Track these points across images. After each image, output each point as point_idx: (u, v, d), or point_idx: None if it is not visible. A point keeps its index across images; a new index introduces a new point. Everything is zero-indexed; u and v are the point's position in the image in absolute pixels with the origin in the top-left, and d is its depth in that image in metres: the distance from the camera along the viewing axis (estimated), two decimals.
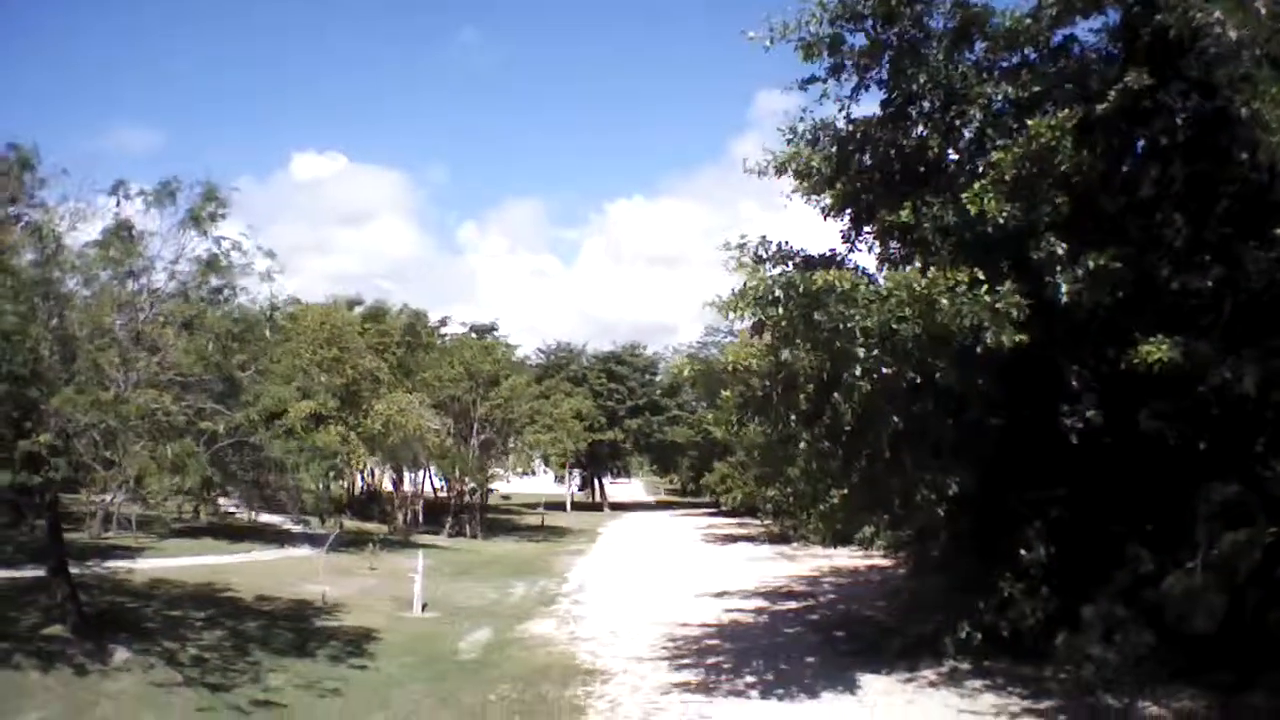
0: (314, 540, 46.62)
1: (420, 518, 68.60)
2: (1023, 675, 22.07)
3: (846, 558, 50.99)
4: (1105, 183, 20.93)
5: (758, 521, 70.39)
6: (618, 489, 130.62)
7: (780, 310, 19.64)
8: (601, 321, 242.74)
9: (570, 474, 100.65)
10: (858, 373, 19.53)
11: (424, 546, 49.39)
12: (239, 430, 22.56)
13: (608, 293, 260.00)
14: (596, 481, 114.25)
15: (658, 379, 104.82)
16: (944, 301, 18.62)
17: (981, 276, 18.97)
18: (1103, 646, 20.16)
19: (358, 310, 66.47)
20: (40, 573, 26.01)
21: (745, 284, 20.20)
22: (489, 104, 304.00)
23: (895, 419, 20.92)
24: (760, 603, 35.89)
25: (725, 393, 23.72)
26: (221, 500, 45.38)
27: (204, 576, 34.10)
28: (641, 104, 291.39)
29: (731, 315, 20.62)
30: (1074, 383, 21.10)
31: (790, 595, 37.92)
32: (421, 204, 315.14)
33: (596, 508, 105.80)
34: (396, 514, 66.39)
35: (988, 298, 18.72)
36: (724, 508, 79.75)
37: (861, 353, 19.29)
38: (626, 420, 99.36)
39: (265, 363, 24.97)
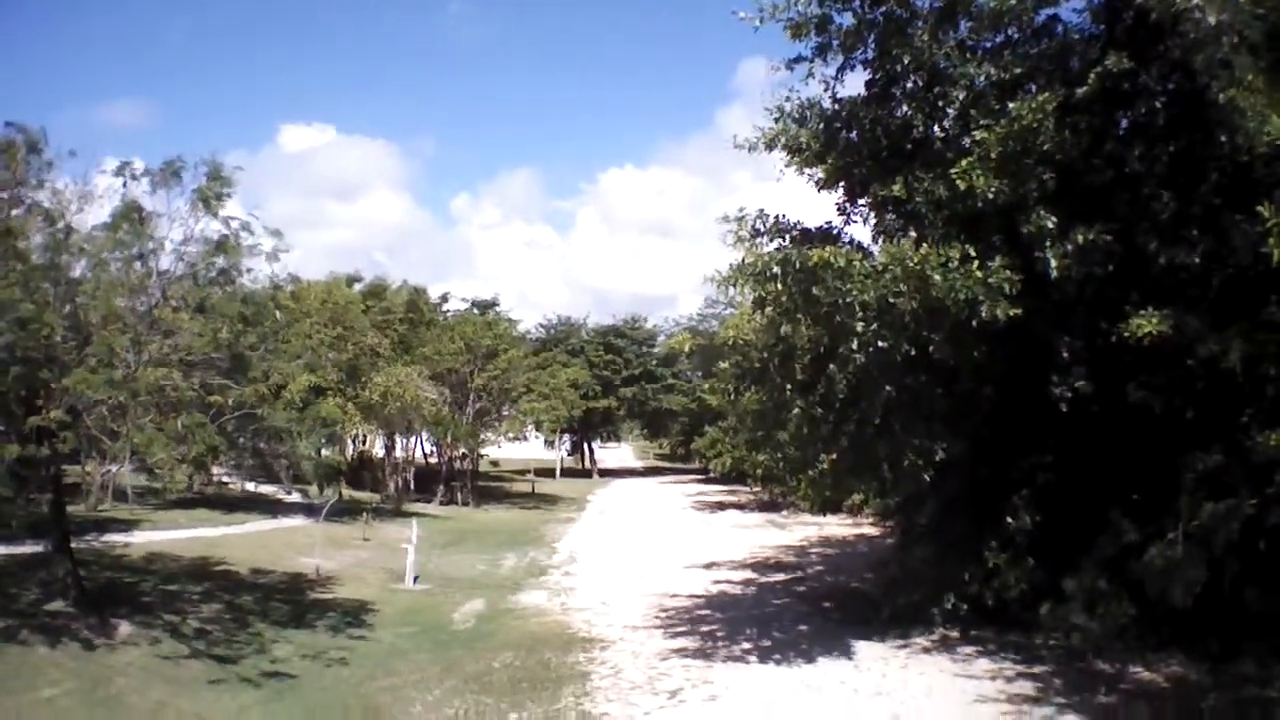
0: (308, 510, 46.98)
1: (411, 485, 68.76)
2: (1013, 642, 22.70)
3: (836, 526, 51.60)
4: (1089, 159, 21.26)
5: (747, 488, 70.99)
6: (607, 453, 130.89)
7: (779, 285, 20.07)
8: (597, 291, 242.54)
9: (561, 439, 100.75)
10: (854, 345, 20.03)
11: (416, 515, 49.75)
12: (247, 403, 22.94)
13: (603, 262, 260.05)
14: (586, 446, 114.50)
15: (655, 350, 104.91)
16: (937, 277, 19.02)
17: (973, 252, 19.46)
18: (1085, 617, 20.72)
19: (358, 287, 66.65)
20: (39, 548, 26.32)
21: (744, 260, 20.66)
22: (478, 75, 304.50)
23: (889, 389, 21.41)
24: (748, 574, 36.39)
25: (723, 364, 24.16)
26: (215, 470, 45.77)
27: (200, 549, 34.49)
28: (628, 73, 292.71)
29: (731, 290, 21.01)
30: (1064, 354, 21.52)
31: (778, 566, 38.43)
32: (414, 175, 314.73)
33: (586, 474, 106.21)
34: (388, 482, 66.58)
35: (979, 273, 19.18)
36: (713, 474, 79.94)
37: (860, 326, 19.77)
38: (621, 389, 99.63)
39: (274, 343, 25.25)
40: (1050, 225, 20.08)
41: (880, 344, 20.01)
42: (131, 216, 22.67)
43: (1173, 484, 19.74)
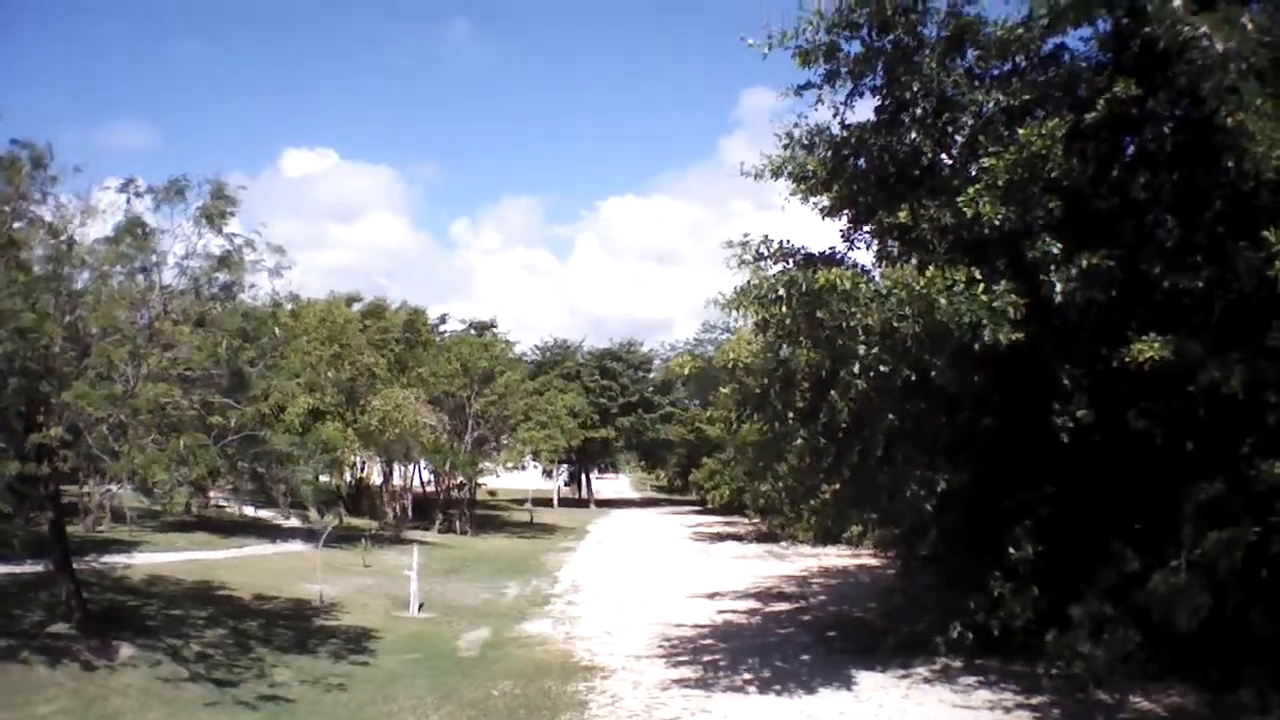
0: (307, 536, 46.82)
1: (409, 513, 68.66)
2: (1014, 672, 22.64)
3: (835, 557, 51.41)
4: (1096, 186, 21.34)
5: (745, 520, 70.85)
6: (604, 484, 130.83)
7: (783, 308, 20.08)
8: (595, 316, 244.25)
9: (559, 469, 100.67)
10: (856, 370, 20.08)
11: (414, 543, 49.42)
12: (248, 424, 22.87)
13: (601, 288, 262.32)
14: (584, 477, 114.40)
15: (651, 375, 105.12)
16: (942, 300, 19.11)
17: (979, 275, 19.56)
18: (1091, 644, 20.61)
19: (357, 307, 66.37)
20: (40, 568, 26.38)
21: (749, 282, 20.69)
22: (481, 101, 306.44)
23: (891, 416, 21.57)
24: (752, 603, 36.25)
25: (724, 389, 24.19)
26: (213, 493, 45.68)
27: (200, 573, 34.37)
28: (631, 102, 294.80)
29: (734, 313, 21.01)
30: (1066, 382, 21.39)
31: (781, 596, 38.31)
32: (414, 201, 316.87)
33: (583, 504, 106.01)
34: (387, 509, 66.42)
35: (984, 296, 19.28)
36: (710, 505, 79.86)
37: (862, 350, 19.91)
38: (619, 417, 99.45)
39: (274, 359, 25.23)
40: (1055, 251, 20.18)
41: (882, 368, 20.14)
42: (135, 231, 22.81)
43: (1174, 513, 19.66)
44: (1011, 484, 23.05)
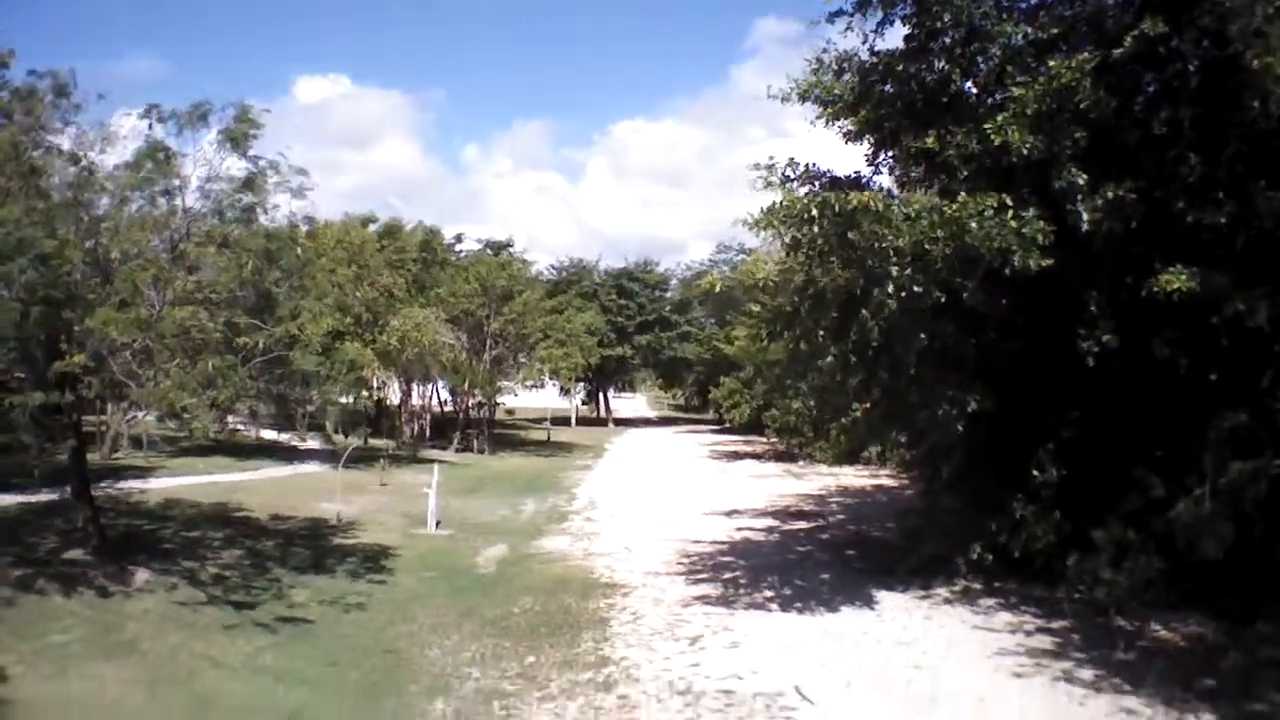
0: (324, 457, 47.09)
1: (427, 432, 68.97)
2: (1034, 596, 22.49)
3: (853, 477, 51.40)
4: (1120, 119, 20.93)
5: (763, 439, 70.79)
6: (621, 403, 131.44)
7: (815, 229, 19.89)
8: (607, 238, 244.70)
9: (576, 388, 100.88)
10: (889, 290, 19.80)
11: (432, 462, 49.52)
12: (278, 344, 22.70)
13: (613, 210, 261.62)
14: (601, 396, 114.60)
15: (668, 295, 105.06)
16: (973, 225, 18.96)
17: (1009, 202, 19.36)
18: (1112, 570, 20.39)
19: (372, 228, 66.03)
20: (54, 496, 26.41)
21: (779, 202, 20.35)
22: (493, 26, 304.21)
23: (922, 336, 21.26)
24: (770, 521, 36.21)
25: (753, 306, 23.96)
26: (231, 418, 45.74)
27: (217, 495, 34.45)
28: (643, 28, 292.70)
29: (761, 233, 20.79)
30: (1092, 307, 21.15)
31: (799, 514, 38.29)
32: (426, 126, 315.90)
33: (601, 423, 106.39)
34: (404, 429, 66.61)
35: (1014, 223, 19.11)
36: (728, 424, 79.82)
37: (894, 271, 19.65)
38: (636, 336, 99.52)
39: (300, 280, 24.98)
40: (1081, 181, 19.98)
41: (915, 288, 19.81)
42: (156, 155, 22.37)
43: (1198, 441, 19.40)
44: (1036, 407, 22.82)
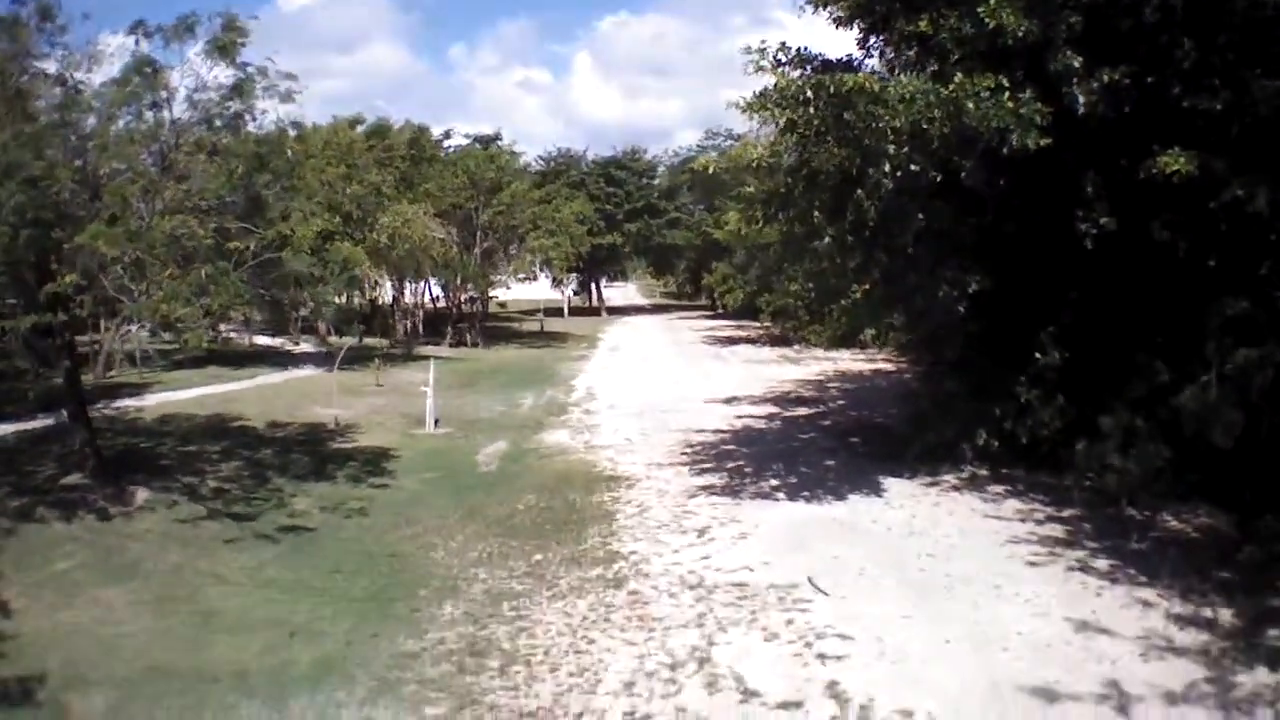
0: (318, 360, 46.72)
1: (420, 329, 68.61)
2: (1042, 483, 22.30)
3: (850, 361, 51.21)
4: (1113, 4, 20.25)
5: (757, 324, 70.30)
6: (614, 292, 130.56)
7: (810, 110, 19.53)
8: (593, 129, 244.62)
9: (568, 278, 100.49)
10: (886, 169, 19.44)
11: (426, 358, 49.23)
12: (269, 247, 22.33)
13: (599, 102, 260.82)
14: (594, 286, 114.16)
15: (656, 182, 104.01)
16: (970, 105, 18.53)
17: (1006, 83, 18.89)
18: (1120, 457, 20.08)
19: (360, 129, 65.13)
20: (50, 421, 26.15)
21: (772, 85, 19.95)
22: None
23: (920, 216, 20.92)
24: (770, 408, 36.02)
25: (747, 188, 23.47)
26: (224, 326, 45.28)
27: (213, 407, 34.26)
28: None
29: (754, 117, 20.32)
30: (1089, 189, 20.73)
31: (799, 400, 38.09)
32: (411, 26, 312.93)
33: (594, 312, 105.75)
34: (397, 326, 66.20)
35: (1010, 103, 18.69)
36: (720, 309, 79.42)
37: (891, 150, 19.25)
38: (625, 224, 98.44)
39: (290, 180, 24.53)
40: (1076, 65, 19.43)
41: (913, 167, 19.49)
42: (143, 70, 21.92)
43: (1200, 328, 19.03)
44: (1036, 289, 22.48)
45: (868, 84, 18.90)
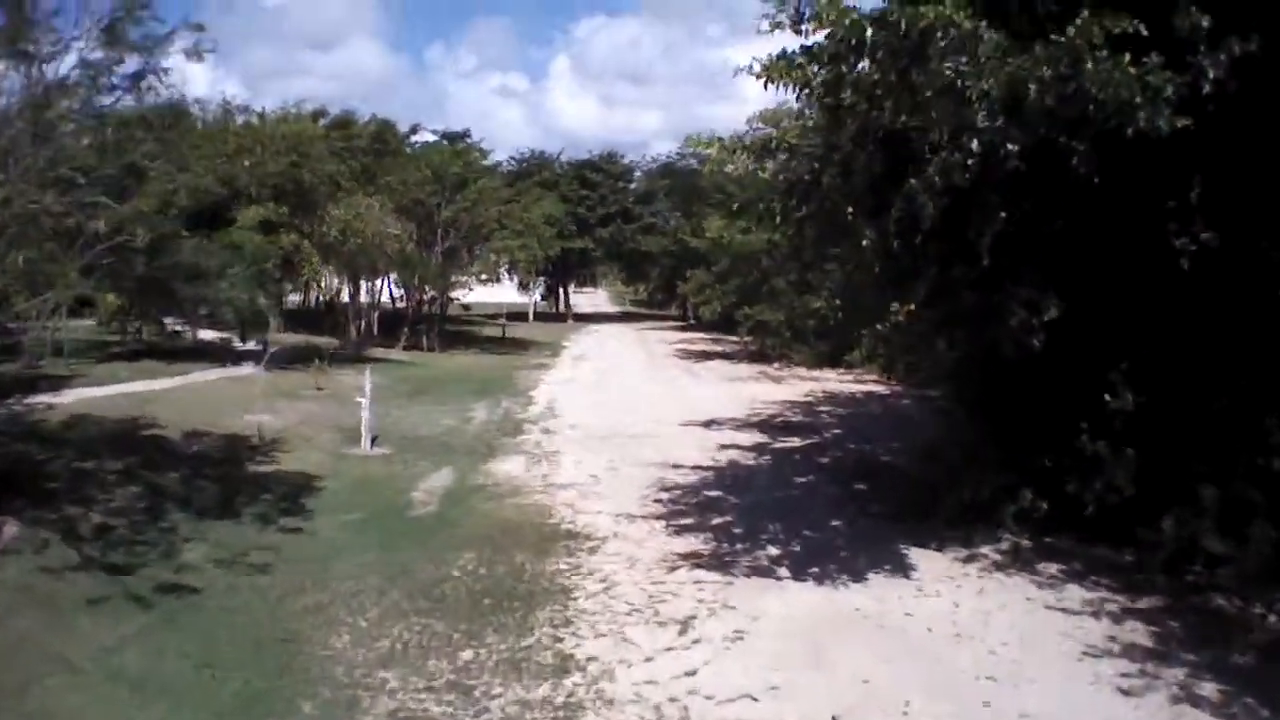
0: (259, 357, 43.10)
1: (375, 330, 65.28)
2: (1102, 559, 17.92)
3: (836, 381, 47.56)
4: None
5: (733, 338, 66.83)
6: (582, 298, 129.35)
7: (868, 62, 14.73)
8: (569, 137, 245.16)
9: (536, 282, 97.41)
10: (975, 146, 14.49)
11: (377, 361, 45.60)
12: (125, 228, 18.14)
13: (575, 109, 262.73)
14: (561, 291, 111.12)
15: (632, 187, 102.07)
16: (1088, 65, 13.45)
17: (1133, 29, 13.65)
18: (1218, 537, 15.78)
19: (323, 122, 62.31)
20: None
21: (822, 17, 14.80)
22: None
23: (1002, 214, 15.80)
24: (757, 435, 31.93)
25: (763, 173, 18.69)
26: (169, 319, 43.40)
27: (132, 408, 29.94)
28: None
29: (782, 80, 15.56)
30: (1195, 192, 15.93)
31: (788, 427, 33.91)
32: (390, 25, 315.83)
33: (560, 318, 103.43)
34: (350, 326, 62.68)
35: (1133, 69, 13.57)
36: (694, 320, 76.65)
37: (981, 121, 14.26)
38: (598, 228, 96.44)
39: (182, 150, 20.42)
40: (1204, 25, 14.34)
41: (1010, 147, 14.37)
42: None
43: None
44: (1110, 315, 17.70)
45: (956, 20, 13.67)
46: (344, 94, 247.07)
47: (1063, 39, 13.50)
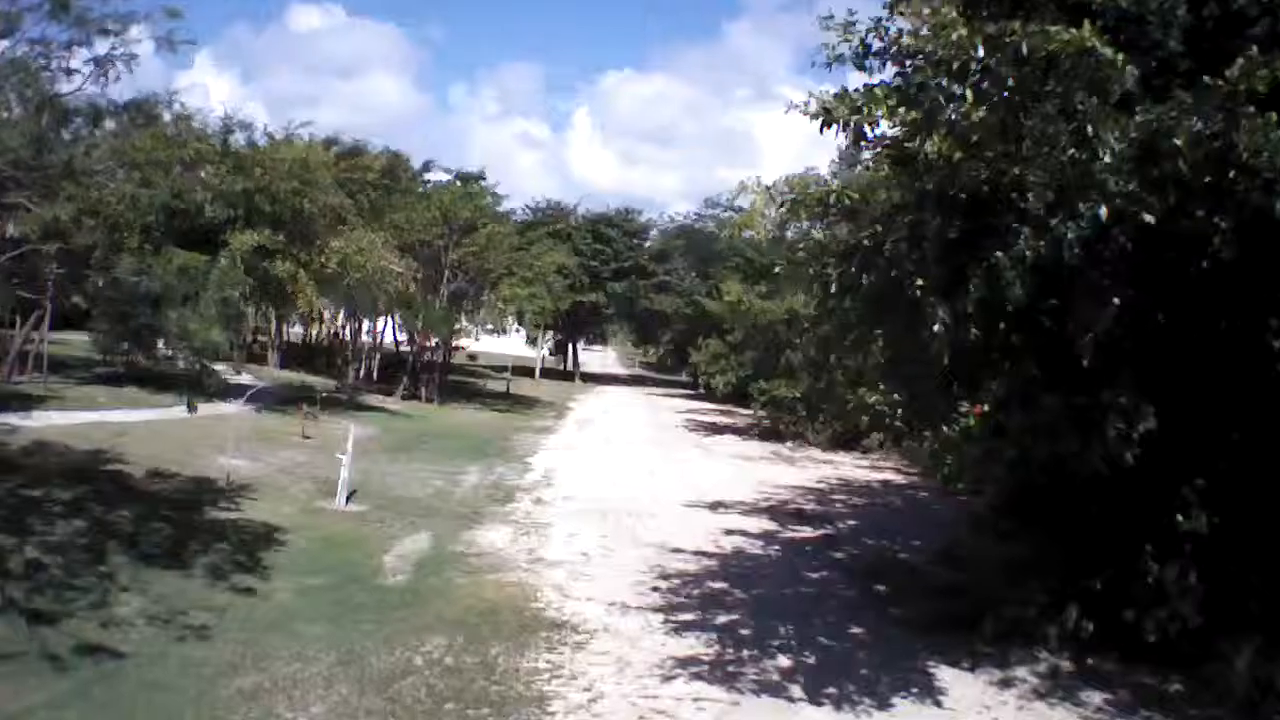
0: (250, 395, 41.06)
1: (375, 374, 63.35)
2: (1146, 687, 15.73)
3: (852, 467, 45.34)
4: None
5: (746, 411, 64.54)
6: (591, 356, 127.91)
7: (970, 96, 11.83)
8: (587, 190, 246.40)
9: (544, 336, 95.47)
10: (1103, 212, 11.71)
11: (370, 409, 43.42)
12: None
13: (595, 163, 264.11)
14: (570, 347, 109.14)
15: (647, 245, 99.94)
16: (1243, 120, 10.90)
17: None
18: None
19: (335, 151, 60.05)
20: None
21: (902, 45, 12.65)
22: None
23: (1115, 301, 13.16)
24: (766, 523, 29.70)
25: (815, 234, 16.27)
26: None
27: (100, 439, 28.07)
28: None
29: (847, 120, 12.95)
30: None
31: (800, 516, 31.63)
32: (417, 60, 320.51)
33: (568, 377, 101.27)
34: (348, 368, 60.55)
35: None
36: (702, 390, 74.71)
37: (1111, 181, 11.57)
38: (610, 283, 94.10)
39: (126, 147, 18.46)
40: None
41: (1146, 218, 11.73)
42: None
43: None
44: (1187, 425, 15.26)
45: (1098, 48, 11.00)
46: (366, 127, 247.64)
47: (1218, 83, 11.15)
